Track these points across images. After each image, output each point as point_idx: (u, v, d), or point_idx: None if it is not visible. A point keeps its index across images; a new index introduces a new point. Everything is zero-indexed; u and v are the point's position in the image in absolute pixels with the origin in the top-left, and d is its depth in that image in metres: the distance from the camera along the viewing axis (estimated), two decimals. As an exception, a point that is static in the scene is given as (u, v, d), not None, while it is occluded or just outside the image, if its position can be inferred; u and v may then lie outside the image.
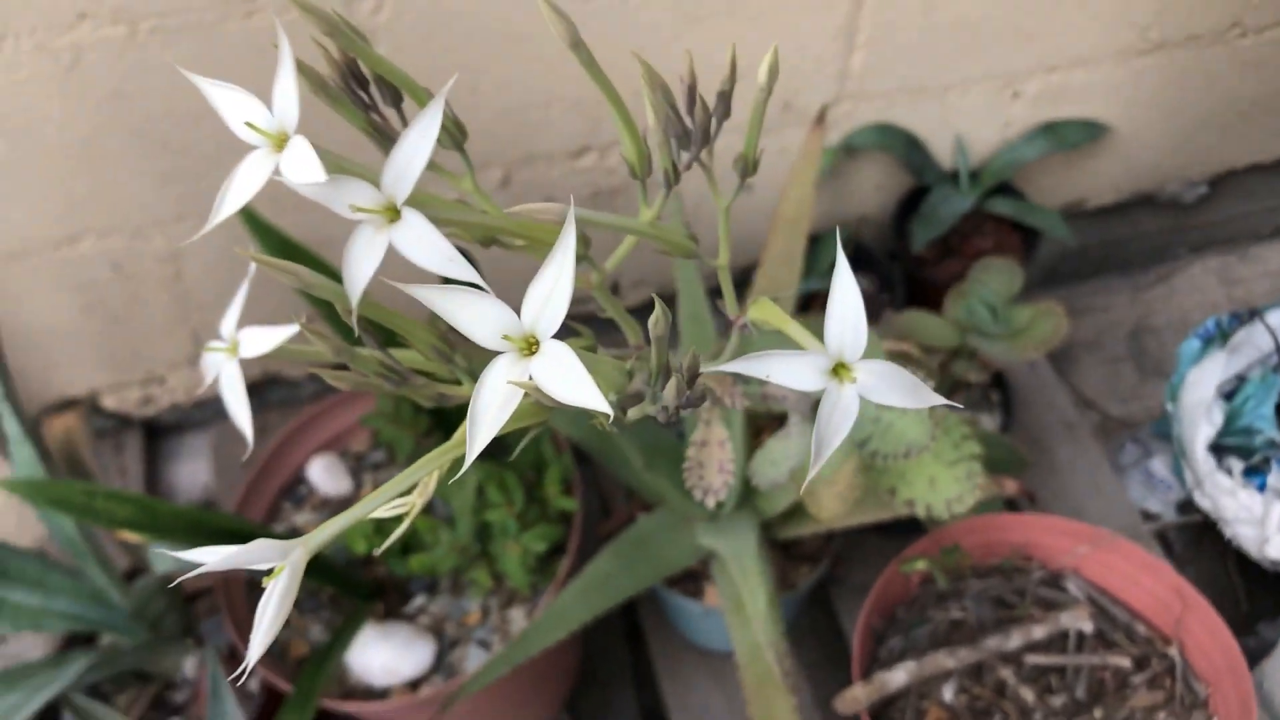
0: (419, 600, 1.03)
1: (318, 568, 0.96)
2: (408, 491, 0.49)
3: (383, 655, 0.97)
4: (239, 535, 0.90)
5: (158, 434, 1.40)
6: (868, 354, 0.83)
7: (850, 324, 0.43)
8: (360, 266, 0.42)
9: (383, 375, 0.47)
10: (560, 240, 0.41)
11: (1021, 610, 0.99)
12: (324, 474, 1.11)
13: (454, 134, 0.49)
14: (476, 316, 0.41)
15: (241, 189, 0.44)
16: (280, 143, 0.44)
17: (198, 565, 0.43)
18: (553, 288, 0.41)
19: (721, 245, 0.56)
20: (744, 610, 0.95)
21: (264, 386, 1.39)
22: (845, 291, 0.43)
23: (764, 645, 0.84)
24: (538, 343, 0.41)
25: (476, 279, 0.41)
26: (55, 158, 1.07)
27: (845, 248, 1.34)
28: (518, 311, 0.41)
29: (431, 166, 0.48)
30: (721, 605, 1.00)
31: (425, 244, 0.42)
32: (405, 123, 0.46)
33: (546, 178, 1.24)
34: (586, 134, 1.21)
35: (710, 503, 0.55)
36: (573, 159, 1.23)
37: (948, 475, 0.83)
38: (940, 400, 0.45)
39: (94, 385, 1.31)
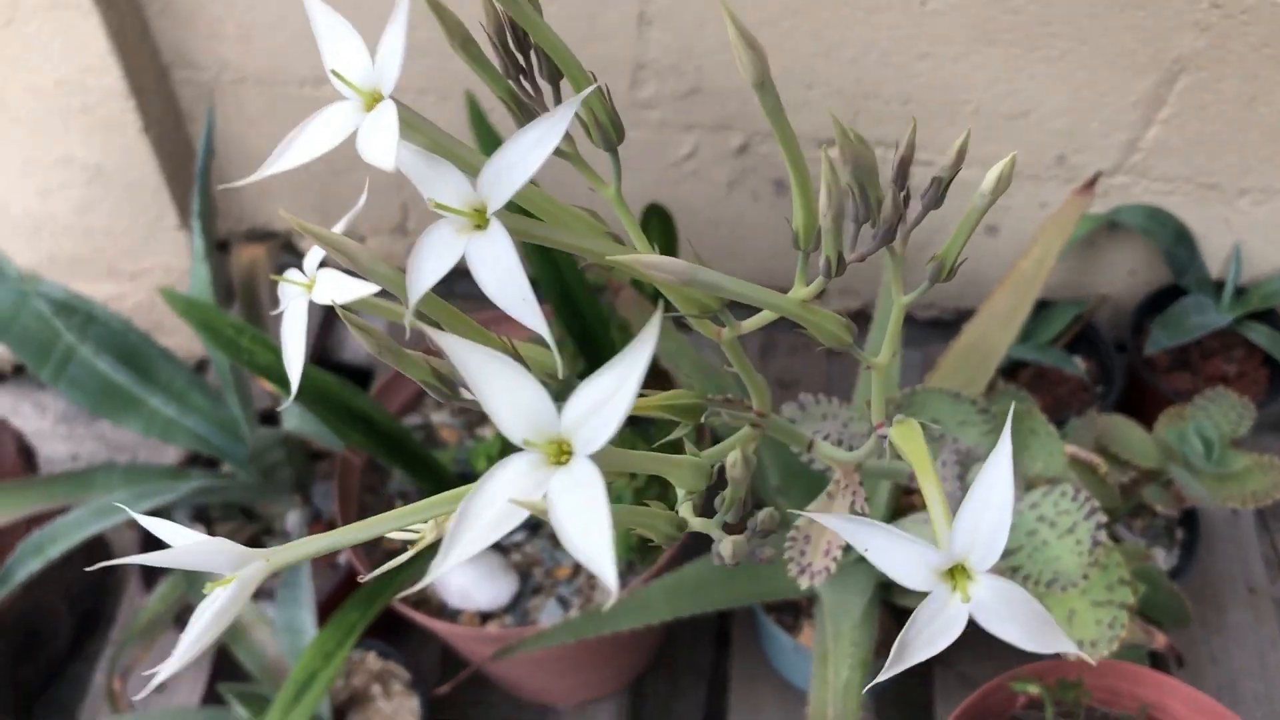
0: (519, 536, 1.01)
1: (432, 475, 0.95)
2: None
3: (464, 578, 0.95)
4: (363, 418, 0.89)
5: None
6: (1047, 454, 0.76)
7: (989, 526, 0.36)
8: (426, 266, 0.36)
9: (430, 385, 0.43)
10: (635, 343, 0.32)
11: (1126, 774, 0.89)
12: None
13: (608, 133, 0.44)
14: (508, 398, 0.33)
15: (307, 146, 0.38)
16: (371, 102, 0.38)
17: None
18: (609, 397, 0.32)
19: (887, 343, 0.49)
20: (828, 666, 0.89)
21: (452, 278, 1.39)
22: (995, 486, 0.36)
23: (833, 717, 0.79)
24: (570, 454, 0.33)
25: (543, 329, 0.35)
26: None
27: (1075, 323, 1.24)
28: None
29: (574, 160, 0.44)
30: (813, 649, 0.94)
31: (500, 269, 0.35)
32: (559, 101, 0.41)
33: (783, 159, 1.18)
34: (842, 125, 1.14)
35: (804, 584, 0.49)
36: (818, 147, 1.16)
37: (1090, 615, 0.75)
38: (1070, 647, 0.38)
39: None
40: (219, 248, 1.21)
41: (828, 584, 0.90)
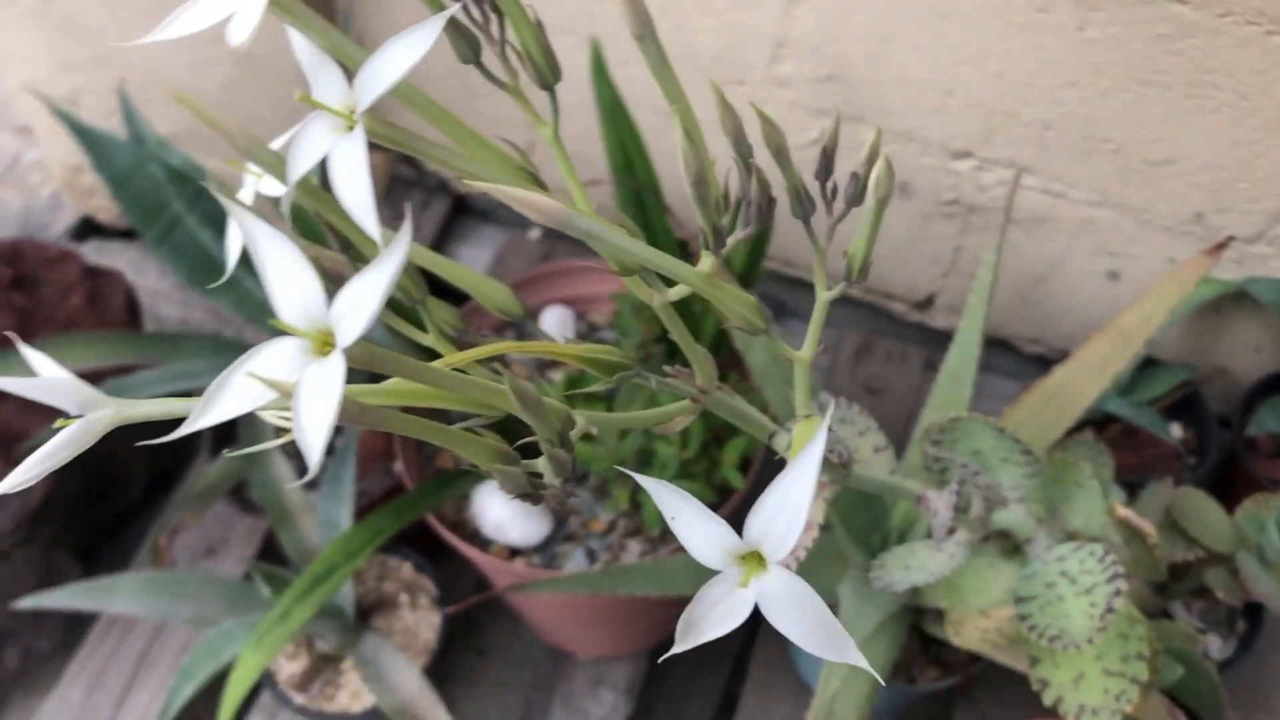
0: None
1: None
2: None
3: (500, 511, 0.97)
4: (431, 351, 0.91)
5: (463, 210, 1.46)
6: (1087, 510, 0.73)
7: (784, 521, 0.35)
8: (300, 156, 0.37)
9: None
10: (392, 245, 0.32)
11: None
12: (554, 324, 1.11)
13: (543, 71, 0.43)
14: (286, 283, 0.33)
15: (190, 21, 0.40)
16: None
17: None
18: (367, 294, 0.32)
19: (809, 337, 0.48)
20: (836, 678, 0.88)
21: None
22: (797, 483, 0.34)
23: (829, 715, 0.78)
24: (331, 348, 0.33)
25: (375, 233, 0.34)
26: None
27: (1181, 388, 1.18)
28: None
29: (515, 94, 0.43)
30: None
31: (351, 170, 0.35)
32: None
33: (913, 163, 1.15)
34: (976, 140, 1.10)
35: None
36: (950, 158, 1.13)
37: (1098, 683, 0.72)
38: (860, 662, 0.36)
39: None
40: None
41: (849, 594, 0.88)
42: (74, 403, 0.39)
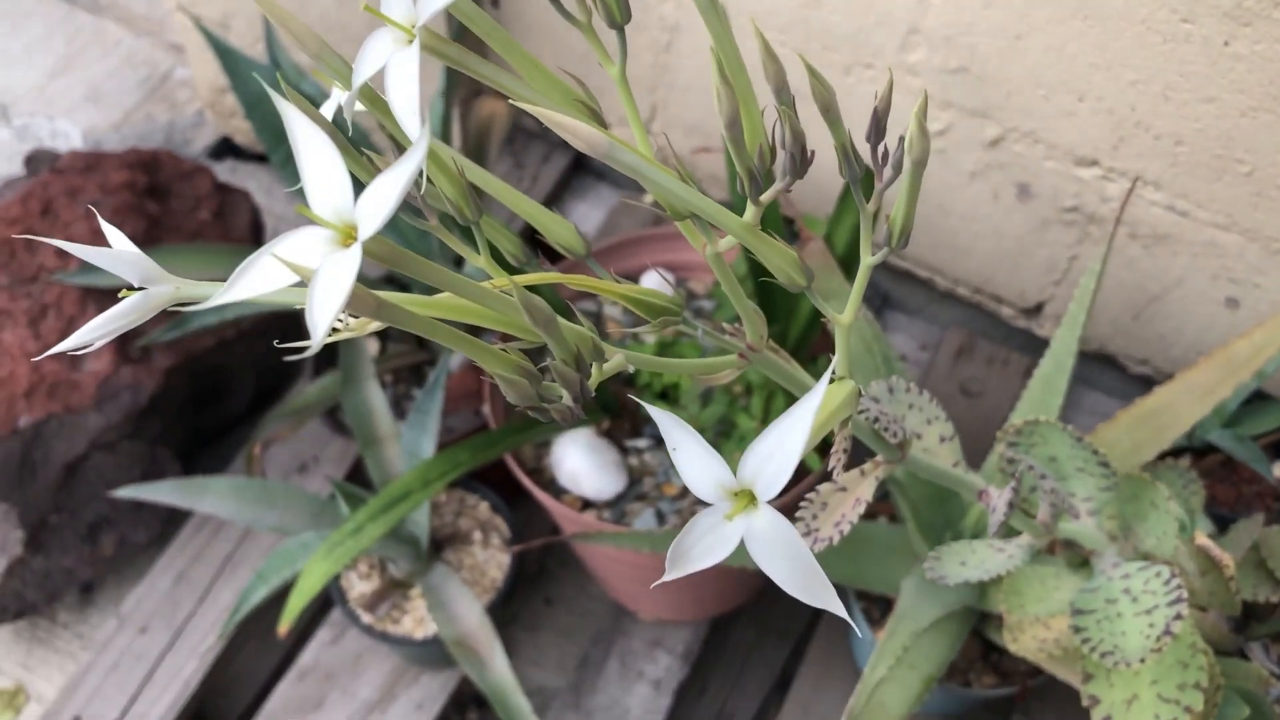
0: (643, 442, 1.04)
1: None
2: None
3: (577, 462, 0.99)
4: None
5: (581, 168, 1.47)
6: (1160, 532, 0.71)
7: (777, 463, 0.36)
8: (364, 61, 0.39)
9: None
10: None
11: None
12: (653, 287, 1.12)
13: (611, 10, 0.43)
14: (321, 176, 0.35)
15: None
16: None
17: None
18: (389, 191, 0.34)
19: (851, 302, 0.48)
20: (883, 665, 0.88)
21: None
22: (794, 429, 0.35)
23: (855, 710, 0.78)
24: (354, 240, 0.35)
25: (415, 133, 0.36)
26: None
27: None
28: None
29: (586, 31, 0.44)
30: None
31: (404, 77, 0.37)
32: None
33: (1036, 165, 1.13)
34: (1104, 149, 1.08)
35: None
36: (1074, 164, 1.11)
37: (1151, 707, 0.71)
38: (838, 610, 0.37)
39: (555, 95, 1.39)
40: (474, 95, 1.27)
41: (911, 588, 0.88)
42: (137, 275, 0.42)
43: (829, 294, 0.97)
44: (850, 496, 0.50)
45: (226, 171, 1.55)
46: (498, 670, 0.93)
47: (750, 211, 0.44)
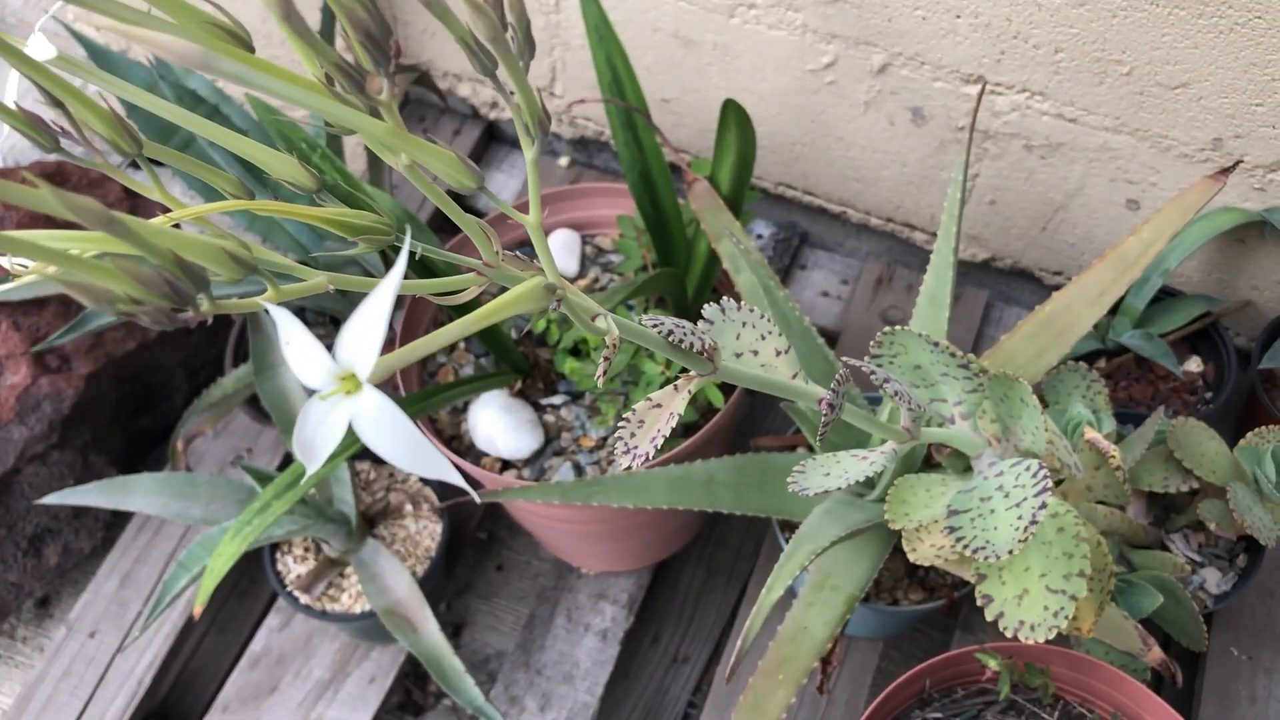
0: (558, 399, 1.05)
1: (492, 337, 1.00)
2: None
3: (492, 424, 1.00)
4: (431, 270, 0.94)
5: (494, 139, 1.48)
6: (1033, 429, 0.73)
7: (367, 337, 0.36)
8: None
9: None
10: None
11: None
12: (560, 248, 1.13)
13: None
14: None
15: None
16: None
17: None
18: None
19: (532, 203, 0.48)
20: (821, 590, 0.90)
21: (589, 145, 1.42)
22: (377, 302, 0.36)
23: (750, 632, 0.79)
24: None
25: None
26: None
27: (1201, 319, 1.15)
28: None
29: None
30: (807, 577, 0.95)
31: None
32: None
33: (925, 88, 1.13)
34: (987, 64, 1.09)
35: (622, 464, 0.50)
36: (961, 83, 1.12)
37: (1039, 599, 0.72)
38: (453, 478, 0.38)
39: (455, 69, 1.39)
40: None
41: (819, 511, 0.89)
42: None
43: (719, 233, 0.98)
44: (665, 412, 0.51)
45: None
46: (429, 634, 0.94)
47: (385, 96, 0.42)
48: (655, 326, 0.48)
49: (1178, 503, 1.04)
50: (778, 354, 0.57)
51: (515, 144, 1.48)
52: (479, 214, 1.43)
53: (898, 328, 0.68)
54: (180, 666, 1.19)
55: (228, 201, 0.45)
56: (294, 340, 0.38)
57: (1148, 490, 1.00)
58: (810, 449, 1.06)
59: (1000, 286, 1.33)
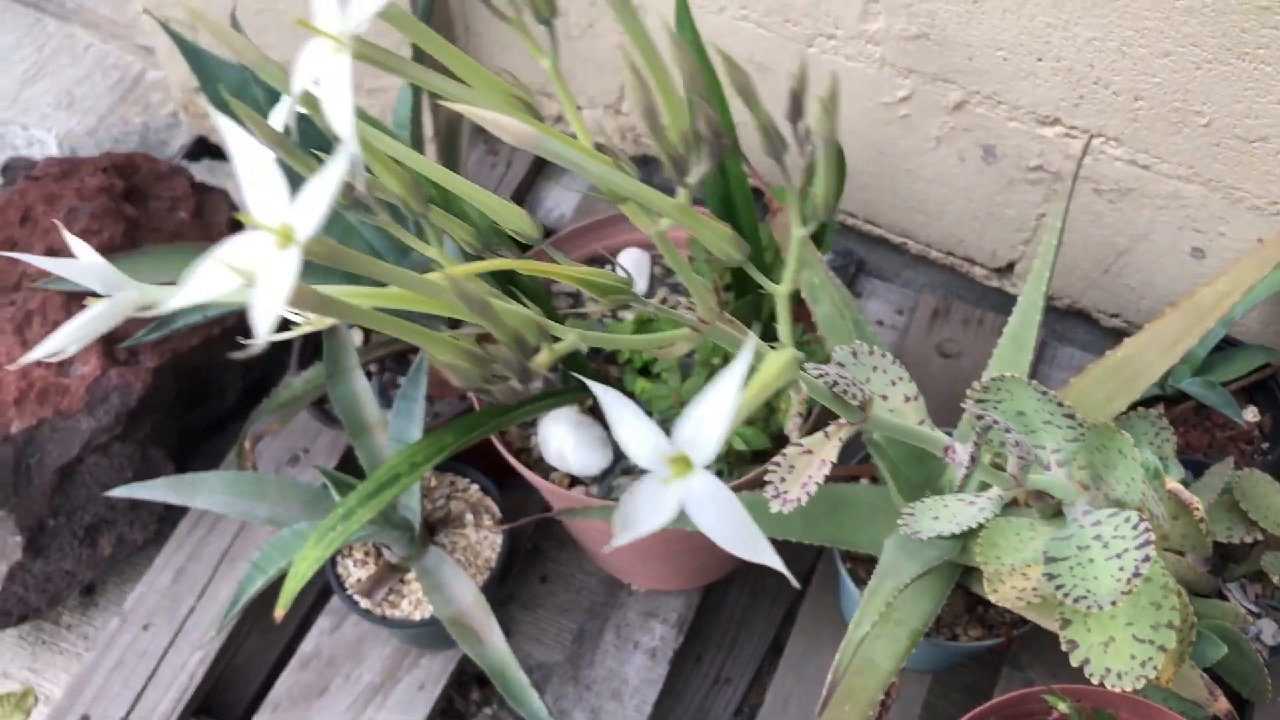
0: (627, 418, 1.05)
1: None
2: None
3: (563, 440, 1.00)
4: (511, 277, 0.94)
5: (555, 150, 1.49)
6: (1129, 479, 0.74)
7: (709, 425, 0.37)
8: (301, 68, 0.40)
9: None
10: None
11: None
12: (631, 264, 1.14)
13: (538, 6, 0.45)
14: (259, 181, 0.38)
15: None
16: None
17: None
18: (312, 194, 0.36)
19: (788, 272, 0.49)
20: (866, 620, 0.90)
21: (650, 164, 1.43)
22: (723, 391, 0.37)
23: (841, 666, 0.80)
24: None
25: (347, 136, 0.38)
26: None
27: (1261, 370, 1.16)
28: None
29: (516, 26, 0.45)
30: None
31: (335, 84, 0.39)
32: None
33: (999, 126, 1.14)
34: (1065, 107, 1.10)
35: (774, 508, 0.51)
36: (1037, 124, 1.13)
37: (1126, 648, 0.73)
38: (775, 563, 0.39)
39: (525, 79, 1.40)
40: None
41: (893, 546, 0.90)
42: (102, 284, 0.44)
43: (799, 263, 0.99)
44: (815, 458, 0.52)
45: (204, 171, 1.55)
46: (495, 646, 0.95)
47: (681, 194, 0.45)
48: (820, 377, 0.49)
49: (1236, 552, 1.05)
50: (906, 400, 0.58)
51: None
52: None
53: (1006, 375, 0.69)
54: (226, 663, 1.19)
55: (496, 260, 0.46)
56: (625, 421, 0.39)
57: (1211, 539, 1.00)
58: (874, 479, 1.07)
59: (1055, 325, 1.34)
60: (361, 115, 0.47)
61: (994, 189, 1.21)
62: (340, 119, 0.39)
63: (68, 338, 0.43)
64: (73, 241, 0.46)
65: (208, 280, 0.37)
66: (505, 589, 1.24)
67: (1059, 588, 0.69)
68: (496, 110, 0.41)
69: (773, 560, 0.39)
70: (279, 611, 0.83)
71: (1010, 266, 1.30)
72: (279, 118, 0.46)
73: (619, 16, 0.45)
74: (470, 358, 0.42)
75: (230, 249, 0.37)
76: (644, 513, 0.39)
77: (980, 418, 0.67)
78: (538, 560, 1.29)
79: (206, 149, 1.62)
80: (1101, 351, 1.30)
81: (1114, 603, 0.65)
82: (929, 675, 1.15)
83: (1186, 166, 1.09)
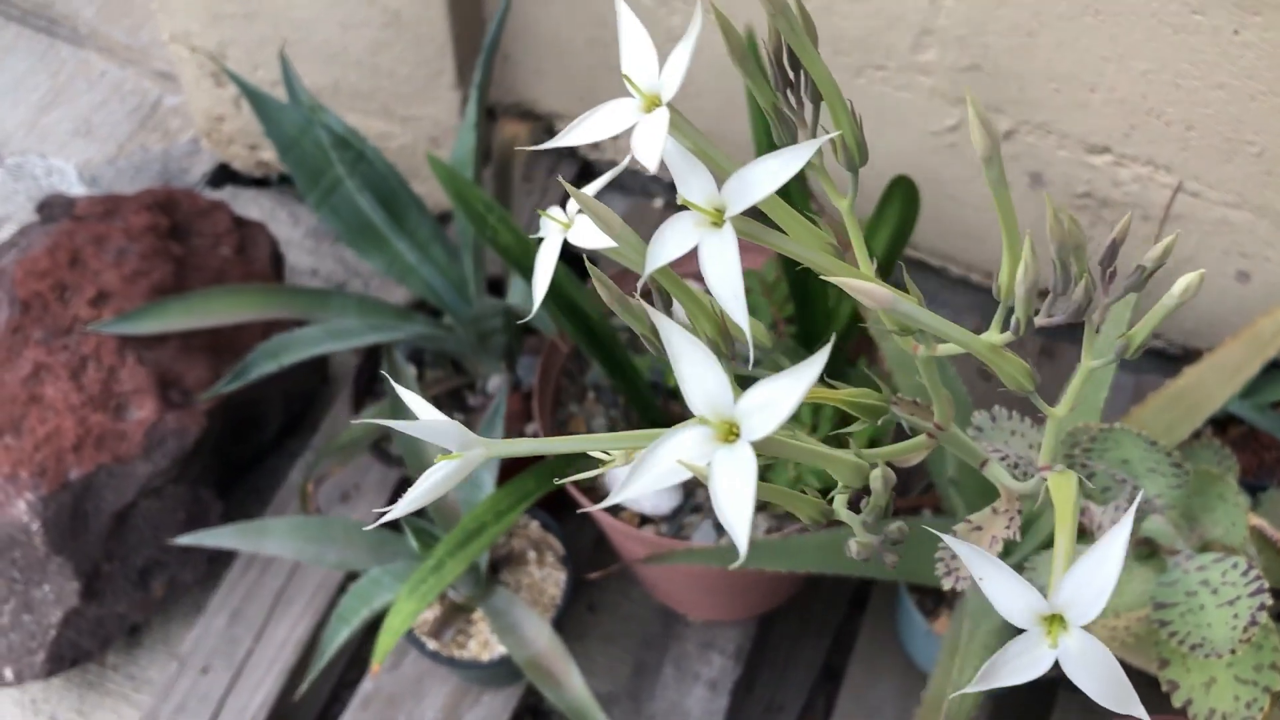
0: (692, 454, 1.06)
1: (626, 377, 1.01)
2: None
3: (633, 480, 1.00)
4: (578, 311, 0.94)
5: (588, 176, 1.49)
6: (1229, 522, 0.75)
7: (1094, 589, 0.38)
8: (665, 247, 0.41)
9: (646, 339, 0.47)
10: (812, 359, 0.36)
11: None
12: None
13: (852, 156, 0.47)
14: (698, 378, 0.39)
15: (592, 129, 0.44)
16: (650, 105, 0.42)
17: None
18: (779, 399, 0.37)
19: (1067, 399, 0.51)
20: (955, 661, 0.91)
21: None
22: (1110, 555, 0.38)
23: (947, 711, 0.81)
24: (737, 435, 0.39)
25: (744, 323, 0.39)
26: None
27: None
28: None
29: (818, 171, 0.47)
30: (944, 640, 0.96)
31: (724, 265, 0.40)
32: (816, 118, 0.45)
33: (1048, 155, 1.15)
34: (1116, 136, 1.11)
35: (946, 585, 0.52)
36: (1086, 152, 1.14)
37: (1230, 689, 0.74)
38: (1141, 714, 0.39)
39: (559, 109, 1.40)
40: (485, 115, 1.27)
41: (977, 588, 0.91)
42: (455, 443, 0.45)
43: (1075, 397, 1.01)
44: (985, 535, 0.52)
45: (228, 198, 1.54)
46: (575, 689, 0.95)
47: (997, 336, 0.46)
48: (1003, 458, 0.49)
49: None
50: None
51: (611, 184, 1.48)
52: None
53: (1115, 425, 0.70)
54: (285, 704, 1.19)
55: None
56: (993, 578, 0.40)
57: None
58: (936, 509, 1.08)
59: (1093, 345, 1.35)
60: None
61: (1039, 215, 1.22)
62: (733, 301, 0.39)
63: (418, 501, 0.45)
64: (414, 400, 0.46)
65: (655, 475, 0.38)
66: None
67: (1172, 634, 0.70)
68: (818, 259, 0.44)
69: (1140, 712, 0.40)
70: (375, 666, 0.83)
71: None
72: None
73: (997, 197, 0.47)
74: (825, 516, 0.43)
75: (674, 443, 0.38)
76: (1014, 667, 0.40)
77: (1085, 466, 0.68)
78: (584, 590, 1.29)
79: (228, 176, 1.60)
80: (1141, 372, 1.32)
81: (1233, 650, 0.67)
82: (986, 699, 1.16)
83: (1235, 194, 1.10)
